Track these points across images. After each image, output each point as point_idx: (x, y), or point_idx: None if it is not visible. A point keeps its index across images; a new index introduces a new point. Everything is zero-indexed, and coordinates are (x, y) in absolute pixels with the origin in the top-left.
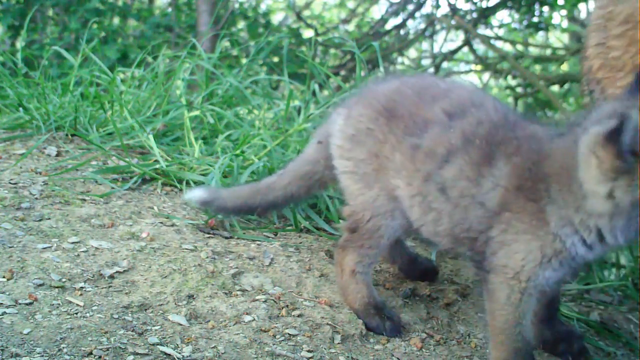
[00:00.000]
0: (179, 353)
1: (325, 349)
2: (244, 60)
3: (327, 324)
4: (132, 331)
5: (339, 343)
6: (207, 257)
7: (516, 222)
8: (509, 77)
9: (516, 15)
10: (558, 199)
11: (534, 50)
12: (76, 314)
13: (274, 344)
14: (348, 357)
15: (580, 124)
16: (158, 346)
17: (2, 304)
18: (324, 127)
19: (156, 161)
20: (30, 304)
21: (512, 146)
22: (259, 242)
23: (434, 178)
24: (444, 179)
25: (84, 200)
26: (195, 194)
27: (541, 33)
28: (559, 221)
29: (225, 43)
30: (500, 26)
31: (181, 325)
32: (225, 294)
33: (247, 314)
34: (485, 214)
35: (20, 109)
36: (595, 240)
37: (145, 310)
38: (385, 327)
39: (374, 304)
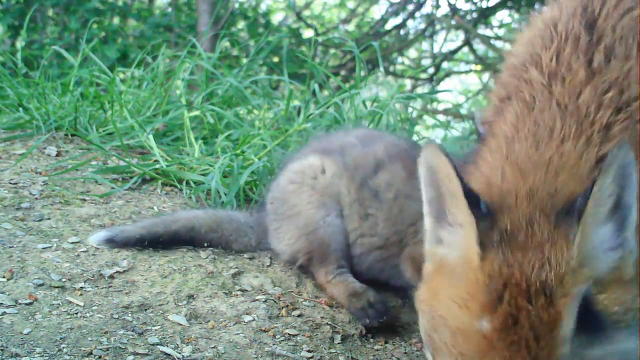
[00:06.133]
0: (179, 353)
1: (325, 349)
2: (244, 60)
3: (327, 324)
4: (132, 331)
5: (339, 343)
6: (207, 257)
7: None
8: None
9: (516, 15)
10: None
11: None
12: (76, 314)
13: (274, 344)
14: (348, 357)
15: None
16: (158, 346)
17: (2, 304)
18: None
19: (156, 161)
20: (30, 304)
21: None
22: None
23: (368, 185)
24: (377, 185)
25: (84, 200)
26: (99, 235)
27: None
28: None
29: (225, 43)
30: (500, 26)
31: (181, 325)
32: (225, 294)
33: (247, 314)
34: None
35: (20, 109)
36: None
37: (145, 310)
38: (369, 313)
39: (354, 292)
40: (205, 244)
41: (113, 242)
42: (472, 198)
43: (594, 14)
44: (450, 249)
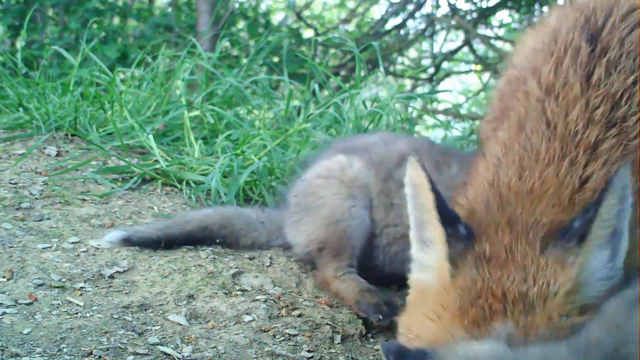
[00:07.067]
0: (179, 353)
1: (325, 349)
2: (244, 60)
3: (327, 324)
4: (132, 331)
5: (339, 343)
6: (207, 257)
7: None
8: None
9: (516, 15)
10: None
11: None
12: (76, 314)
13: (274, 344)
14: (348, 357)
15: None
16: (158, 346)
17: (2, 304)
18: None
19: (156, 161)
20: (30, 304)
21: (458, 158)
22: None
23: (393, 177)
24: (402, 175)
25: (84, 200)
26: (115, 235)
27: None
28: None
29: (225, 43)
30: (500, 26)
31: (181, 325)
32: (225, 294)
33: (247, 314)
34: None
35: (20, 109)
36: None
37: (145, 310)
38: (383, 310)
39: (367, 288)
40: (218, 240)
41: (130, 242)
42: (448, 216)
43: (597, 24)
44: (426, 271)
